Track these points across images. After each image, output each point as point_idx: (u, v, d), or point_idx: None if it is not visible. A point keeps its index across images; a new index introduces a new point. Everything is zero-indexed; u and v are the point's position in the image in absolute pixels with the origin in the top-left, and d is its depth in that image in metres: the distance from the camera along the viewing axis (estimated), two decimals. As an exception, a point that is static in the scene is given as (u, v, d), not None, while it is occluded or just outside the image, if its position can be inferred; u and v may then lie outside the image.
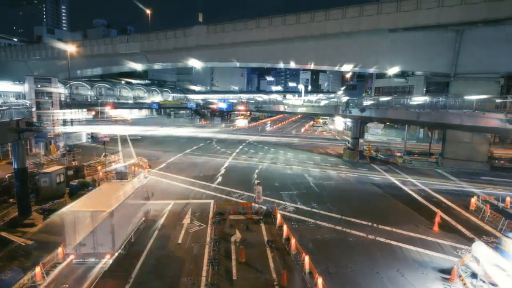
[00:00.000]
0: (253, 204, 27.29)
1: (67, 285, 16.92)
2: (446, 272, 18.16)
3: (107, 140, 53.19)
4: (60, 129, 56.95)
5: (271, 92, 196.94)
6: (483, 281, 16.86)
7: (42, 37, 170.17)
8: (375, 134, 78.77)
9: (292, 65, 64.51)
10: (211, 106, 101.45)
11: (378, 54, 52.93)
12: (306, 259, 17.92)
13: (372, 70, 65.06)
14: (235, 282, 17.32)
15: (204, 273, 17.91)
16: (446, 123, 37.35)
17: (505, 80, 52.75)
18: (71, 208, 18.44)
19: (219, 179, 38.41)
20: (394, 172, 43.00)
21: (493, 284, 16.54)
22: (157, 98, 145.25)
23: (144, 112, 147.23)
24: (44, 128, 47.88)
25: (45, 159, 46.60)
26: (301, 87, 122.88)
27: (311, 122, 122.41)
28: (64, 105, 64.75)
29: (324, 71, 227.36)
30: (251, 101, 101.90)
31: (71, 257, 18.29)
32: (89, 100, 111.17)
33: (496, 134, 52.90)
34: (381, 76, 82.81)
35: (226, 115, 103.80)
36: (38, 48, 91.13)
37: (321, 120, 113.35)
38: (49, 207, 26.29)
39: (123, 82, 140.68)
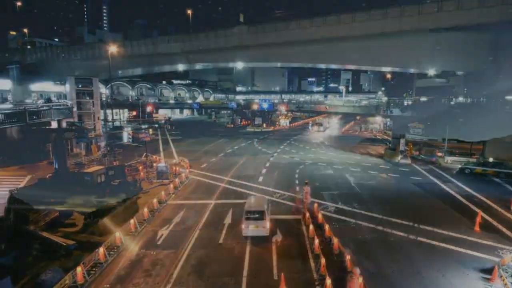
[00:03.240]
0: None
1: (108, 285, 17.44)
2: (487, 272, 18.33)
3: (148, 140, 54.44)
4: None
5: (312, 92, 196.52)
6: (524, 282, 17.09)
7: (83, 37, 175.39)
8: (415, 133, 77.57)
9: (333, 65, 64.82)
10: (252, 106, 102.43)
11: (419, 55, 52.44)
12: (347, 258, 18.47)
13: (413, 70, 64.23)
14: (275, 282, 17.60)
15: (245, 273, 18.49)
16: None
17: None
18: None
19: (260, 179, 38.95)
20: (435, 172, 42.62)
21: (534, 285, 16.69)
22: (198, 98, 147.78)
23: (185, 112, 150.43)
24: (85, 128, 48.12)
25: (86, 159, 47.04)
26: (342, 88, 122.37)
27: (352, 123, 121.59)
28: (105, 105, 65.99)
29: (365, 71, 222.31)
30: (293, 101, 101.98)
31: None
32: (130, 100, 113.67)
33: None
34: (422, 76, 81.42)
35: (267, 115, 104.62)
36: (79, 49, 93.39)
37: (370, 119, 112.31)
38: (90, 207, 26.48)
39: (164, 82, 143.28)
